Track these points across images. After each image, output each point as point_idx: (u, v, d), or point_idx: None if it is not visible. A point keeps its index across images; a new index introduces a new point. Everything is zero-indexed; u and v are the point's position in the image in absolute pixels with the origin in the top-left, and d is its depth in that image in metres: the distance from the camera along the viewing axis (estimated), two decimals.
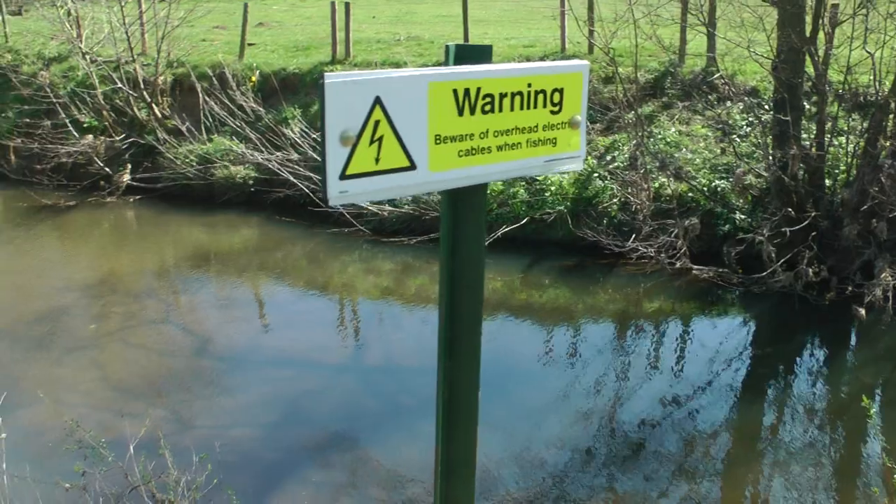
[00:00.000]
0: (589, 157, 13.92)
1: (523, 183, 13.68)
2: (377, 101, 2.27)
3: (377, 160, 2.31)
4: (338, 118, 2.22)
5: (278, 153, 15.21)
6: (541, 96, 2.61)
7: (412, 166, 2.39)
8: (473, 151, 2.51)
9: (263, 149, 15.46)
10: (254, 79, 17.59)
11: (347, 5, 18.04)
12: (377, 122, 2.29)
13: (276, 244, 14.41)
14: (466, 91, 2.44)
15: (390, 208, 13.84)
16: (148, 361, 10.06)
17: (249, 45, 19.66)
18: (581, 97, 2.70)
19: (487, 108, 2.49)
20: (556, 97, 2.64)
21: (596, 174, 13.57)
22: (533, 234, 13.30)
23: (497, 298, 11.77)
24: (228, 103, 16.37)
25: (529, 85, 2.57)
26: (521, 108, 2.57)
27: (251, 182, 15.72)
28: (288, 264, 13.75)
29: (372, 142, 2.29)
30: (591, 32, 15.36)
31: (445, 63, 2.50)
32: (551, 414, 8.50)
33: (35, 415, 8.27)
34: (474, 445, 2.93)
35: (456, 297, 2.69)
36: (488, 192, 13.47)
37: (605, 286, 12.11)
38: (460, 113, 2.45)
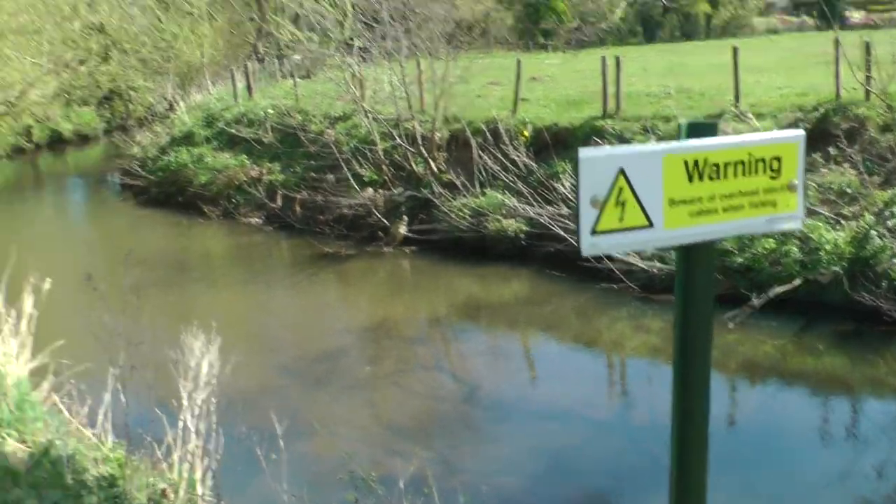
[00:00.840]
0: (866, 214, 13.10)
1: (796, 241, 13.05)
2: (621, 171, 2.76)
3: (621, 219, 2.79)
4: (589, 185, 2.73)
5: (549, 207, 15.31)
6: (761, 164, 3.00)
7: (650, 225, 2.86)
8: (702, 212, 2.93)
9: (535, 203, 15.60)
10: (526, 133, 17.85)
11: (618, 59, 18.02)
12: (621, 189, 2.77)
13: (545, 297, 14.45)
14: (696, 161, 2.88)
15: (660, 265, 13.59)
16: (419, 405, 10.31)
17: (522, 100, 19.98)
18: (797, 163, 3.06)
19: (714, 175, 2.92)
20: (775, 164, 3.02)
21: (874, 232, 12.72)
22: (806, 295, 12.42)
23: (768, 363, 11.27)
24: (501, 158, 16.69)
25: (750, 154, 2.96)
26: (744, 174, 2.98)
27: (522, 235, 15.87)
28: (556, 318, 13.74)
29: (617, 204, 2.77)
30: (867, 78, 14.63)
31: (678, 138, 2.93)
32: (826, 494, 7.99)
33: (312, 444, 8.64)
34: (705, 475, 3.14)
35: (688, 340, 3.04)
36: (759, 250, 13.02)
37: (886, 356, 11.19)
38: (690, 180, 2.89)
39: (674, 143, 2.88)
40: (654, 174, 2.82)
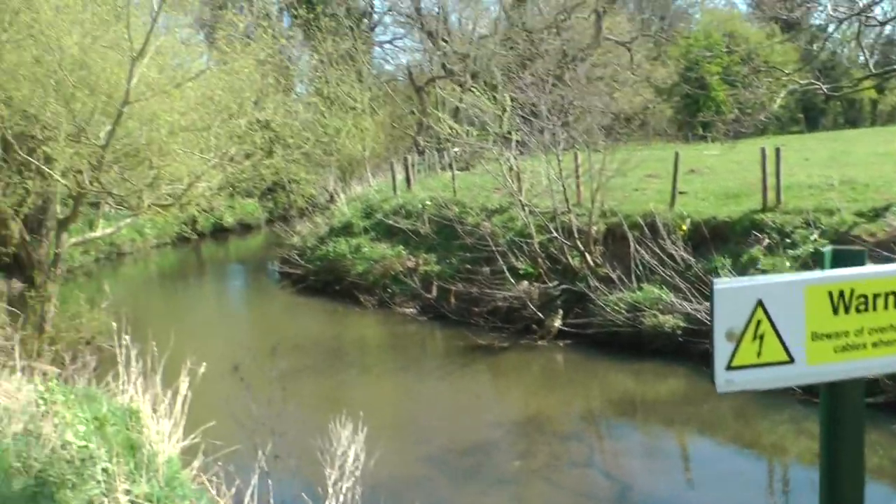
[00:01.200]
0: None
1: None
2: (759, 303, 2.62)
3: (759, 354, 2.65)
4: (725, 317, 2.62)
5: (707, 303, 14.89)
6: None
7: (791, 360, 2.68)
8: (849, 347, 2.71)
9: (692, 298, 15.25)
10: (684, 227, 17.52)
11: (778, 150, 17.58)
12: (759, 322, 2.63)
13: (702, 396, 13.96)
14: (841, 293, 2.68)
15: None
16: (569, 503, 10.05)
17: (680, 193, 19.68)
18: None
19: (862, 307, 2.70)
20: None
21: None
22: None
23: None
24: (658, 252, 16.41)
25: None
26: None
27: (679, 331, 15.48)
28: (714, 418, 13.26)
29: (754, 338, 2.64)
30: None
31: (821, 267, 2.80)
32: None
33: None
34: None
35: (835, 480, 2.84)
36: None
37: None
38: (835, 312, 2.68)
39: (816, 273, 2.73)
40: (795, 306, 2.65)
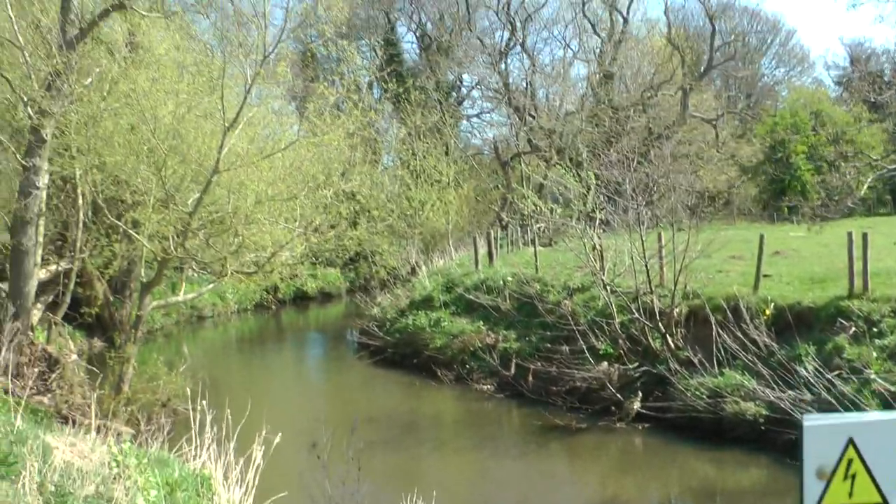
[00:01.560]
0: None
1: None
2: (850, 441, 2.55)
3: (850, 494, 2.56)
4: (815, 455, 2.54)
5: (790, 391, 14.58)
6: None
7: (885, 502, 2.58)
8: None
9: (775, 386, 14.90)
10: (768, 312, 17.16)
11: (865, 235, 17.13)
12: (850, 461, 2.55)
13: (786, 489, 13.48)
14: None
15: None
16: None
17: (765, 276, 19.34)
18: None
19: None
20: None
21: None
22: None
23: None
24: (741, 336, 16.10)
25: None
26: None
27: (762, 419, 15.12)
28: None
29: (846, 478, 2.55)
30: None
31: None
32: None
33: None
34: None
35: None
36: None
37: None
38: None
39: None
40: (888, 445, 2.57)
